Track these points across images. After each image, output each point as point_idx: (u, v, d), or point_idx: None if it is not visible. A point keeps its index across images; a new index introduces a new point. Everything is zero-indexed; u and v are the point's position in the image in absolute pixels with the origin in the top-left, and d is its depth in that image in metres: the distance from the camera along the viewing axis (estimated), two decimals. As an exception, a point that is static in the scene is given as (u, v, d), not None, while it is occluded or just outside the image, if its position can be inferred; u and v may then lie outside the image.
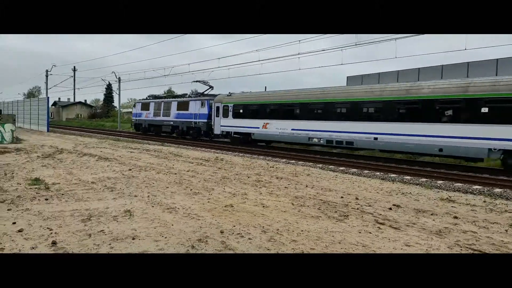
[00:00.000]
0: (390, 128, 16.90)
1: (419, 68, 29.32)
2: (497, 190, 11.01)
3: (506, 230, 6.29)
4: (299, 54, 24.70)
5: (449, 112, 15.22)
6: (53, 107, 79.07)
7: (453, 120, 15.13)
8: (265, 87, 54.05)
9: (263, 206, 7.34)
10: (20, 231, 5.28)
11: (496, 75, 22.91)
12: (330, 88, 20.87)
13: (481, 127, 14.18)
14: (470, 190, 10.88)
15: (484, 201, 8.79)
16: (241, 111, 25.22)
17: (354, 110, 18.54)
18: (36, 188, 8.21)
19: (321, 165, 16.07)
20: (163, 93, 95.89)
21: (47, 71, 52.75)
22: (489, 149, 14.09)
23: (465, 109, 14.68)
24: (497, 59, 25.24)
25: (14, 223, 5.64)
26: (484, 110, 14.08)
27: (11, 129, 20.62)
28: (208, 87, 30.95)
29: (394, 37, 19.88)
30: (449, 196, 9.17)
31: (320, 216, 6.74)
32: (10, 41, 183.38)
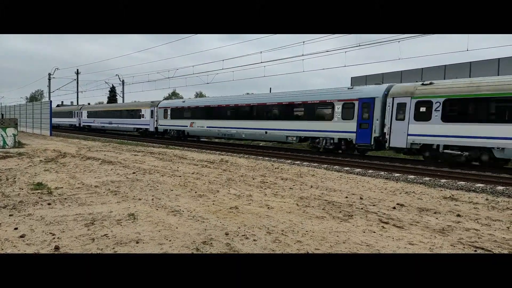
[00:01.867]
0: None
1: (422, 68, 29.38)
2: (500, 188, 11.03)
3: (508, 227, 6.29)
4: (303, 55, 24.88)
5: None
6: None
7: None
8: (270, 88, 53.96)
9: (268, 207, 7.33)
10: (22, 236, 5.27)
11: (498, 74, 22.95)
12: None
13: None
14: (473, 188, 10.88)
15: (487, 199, 8.77)
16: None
17: None
18: (38, 192, 8.22)
19: (326, 165, 16.08)
20: (167, 95, 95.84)
21: (49, 74, 52.99)
22: None
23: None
24: (498, 59, 25.28)
25: (16, 228, 5.62)
26: None
27: (13, 133, 20.62)
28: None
29: (397, 38, 19.92)
30: (452, 195, 9.16)
31: (325, 217, 6.73)
32: (12, 44, 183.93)
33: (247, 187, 9.49)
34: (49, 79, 53.52)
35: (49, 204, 7.21)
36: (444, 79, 24.47)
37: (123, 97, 58.45)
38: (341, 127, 19.53)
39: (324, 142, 20.64)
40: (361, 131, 18.62)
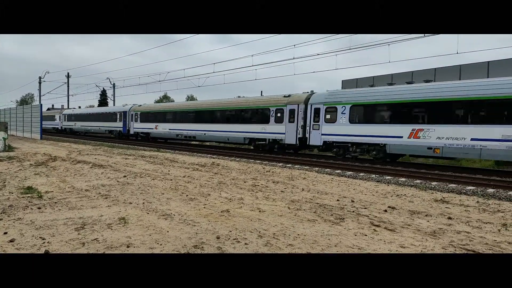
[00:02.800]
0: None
1: (412, 72, 29.54)
2: (490, 190, 11.11)
3: (499, 230, 6.33)
4: (294, 58, 25.03)
5: None
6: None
7: None
8: (261, 91, 54.14)
9: (260, 211, 7.32)
10: (11, 241, 5.19)
11: (488, 77, 23.19)
12: None
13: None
14: (464, 191, 10.95)
15: (478, 202, 8.83)
16: None
17: None
18: (28, 196, 8.13)
19: (317, 168, 16.12)
20: (158, 98, 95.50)
21: (40, 77, 52.67)
22: None
23: None
24: (488, 62, 25.52)
25: (5, 233, 5.54)
26: None
27: (3, 137, 20.40)
28: None
29: (387, 41, 20.07)
30: (443, 197, 9.21)
31: (316, 220, 6.73)
32: (2, 47, 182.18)
33: (238, 191, 9.48)
34: (40, 83, 53.21)
35: (39, 208, 7.14)
36: (434, 81, 24.69)
37: (113, 100, 58.18)
38: (118, 125, 40.92)
39: (115, 132, 41.80)
40: (124, 127, 39.90)
